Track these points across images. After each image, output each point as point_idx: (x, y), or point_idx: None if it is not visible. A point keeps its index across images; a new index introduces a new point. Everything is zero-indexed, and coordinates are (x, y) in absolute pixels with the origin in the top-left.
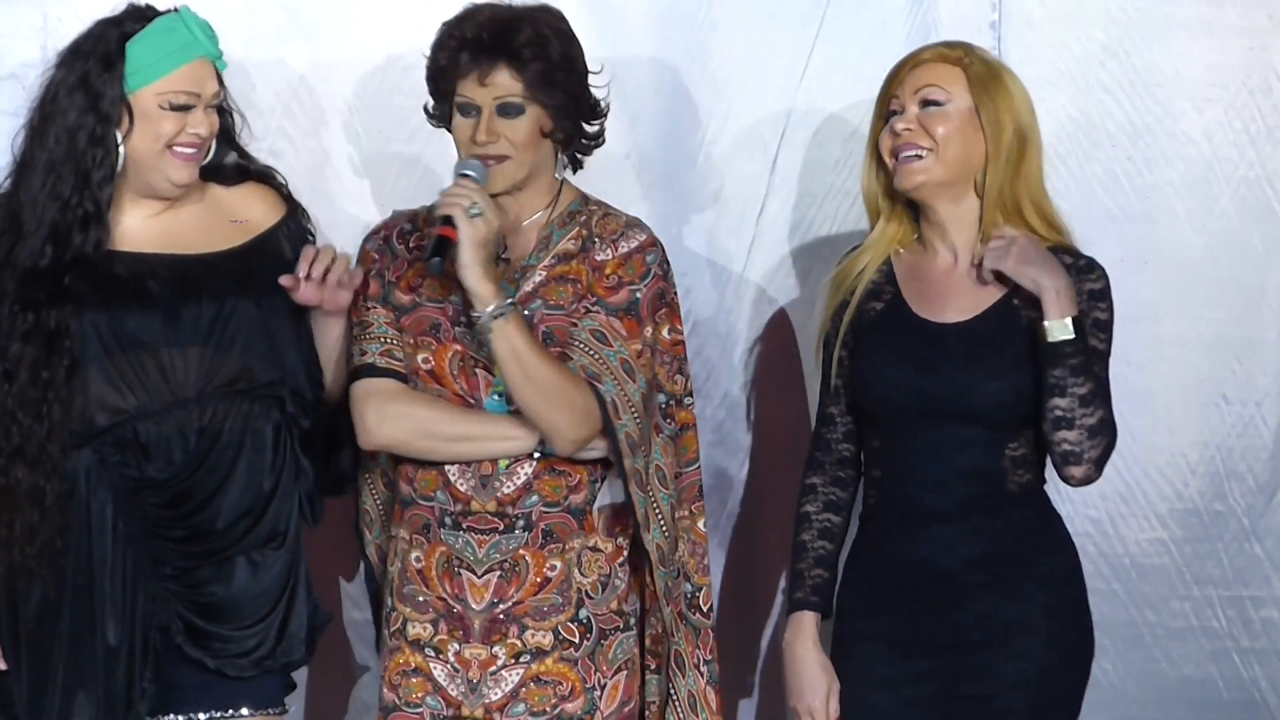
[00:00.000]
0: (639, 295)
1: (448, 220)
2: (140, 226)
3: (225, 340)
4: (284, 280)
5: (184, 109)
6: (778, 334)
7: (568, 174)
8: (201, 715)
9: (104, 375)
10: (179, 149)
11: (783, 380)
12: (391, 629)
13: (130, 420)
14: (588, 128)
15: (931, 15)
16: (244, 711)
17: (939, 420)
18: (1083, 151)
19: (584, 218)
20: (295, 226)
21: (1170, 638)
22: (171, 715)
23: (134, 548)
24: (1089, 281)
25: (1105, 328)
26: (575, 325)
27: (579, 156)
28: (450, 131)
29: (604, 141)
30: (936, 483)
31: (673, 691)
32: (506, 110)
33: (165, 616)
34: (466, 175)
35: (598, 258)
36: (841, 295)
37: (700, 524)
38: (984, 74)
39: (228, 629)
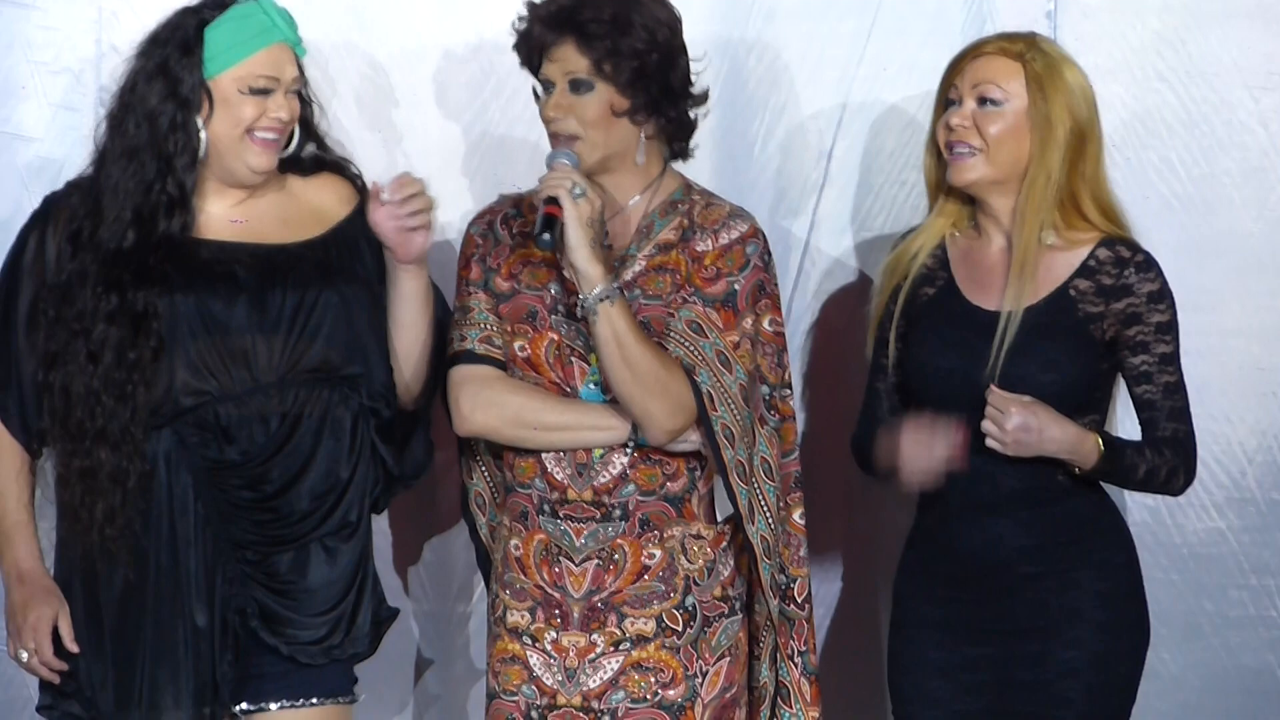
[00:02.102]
0: (737, 287)
1: (552, 201)
2: (223, 215)
3: (309, 329)
4: (372, 187)
5: (263, 93)
6: (835, 323)
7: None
8: (273, 705)
9: (188, 358)
10: (259, 134)
11: (839, 369)
12: (494, 616)
13: (212, 402)
14: (673, 111)
15: (988, 6)
16: (314, 701)
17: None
18: (1139, 140)
19: (685, 207)
20: (366, 217)
21: (1228, 627)
22: (245, 704)
23: (212, 530)
24: (1147, 282)
25: (1168, 329)
26: (672, 315)
27: (680, 145)
28: None
29: (694, 128)
30: (987, 474)
31: (771, 683)
32: (576, 87)
33: (243, 599)
34: (562, 161)
35: (698, 248)
36: (896, 279)
37: (796, 515)
38: (1043, 72)
39: (301, 616)
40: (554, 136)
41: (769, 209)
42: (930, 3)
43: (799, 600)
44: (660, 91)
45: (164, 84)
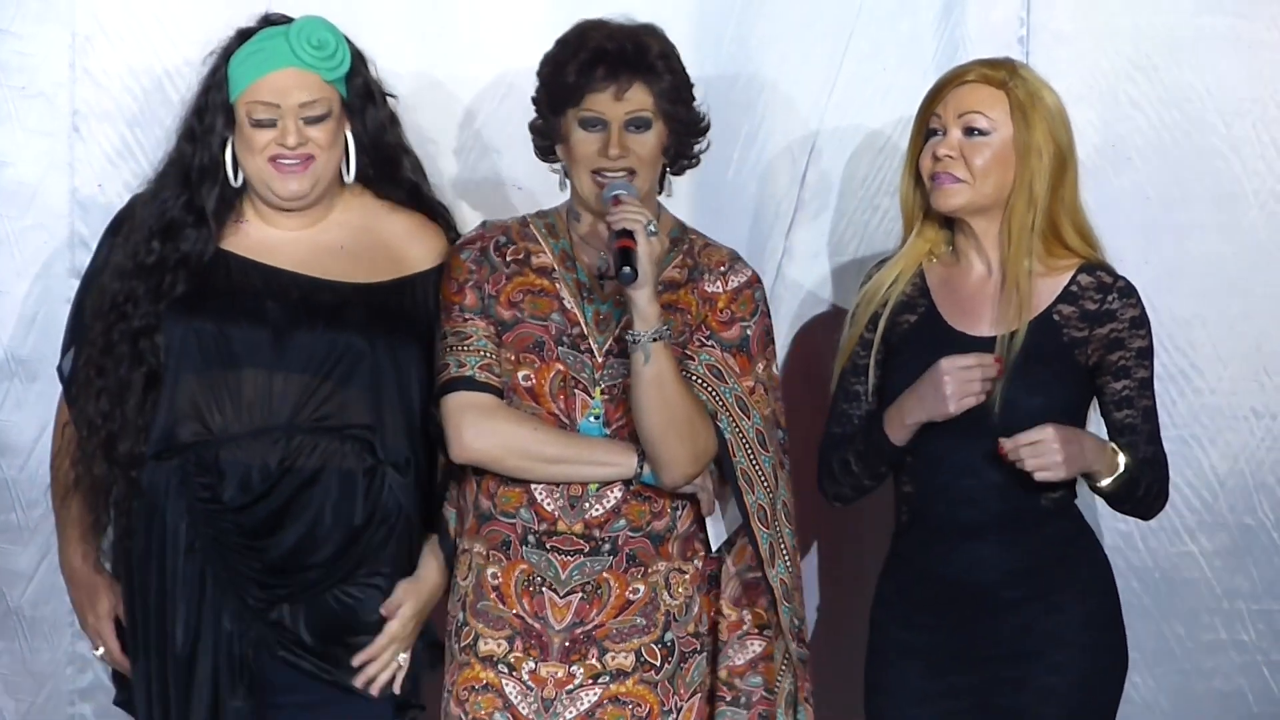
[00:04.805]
0: (749, 332)
1: (625, 235)
2: (289, 240)
3: (331, 373)
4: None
5: (265, 120)
6: (809, 349)
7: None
8: None
9: (191, 391)
10: (279, 161)
11: (812, 394)
12: (462, 644)
13: (214, 442)
14: (695, 146)
15: (960, 31)
16: None
17: (975, 436)
18: (1111, 166)
19: (686, 245)
20: None
21: (1200, 651)
22: None
23: (211, 570)
24: (1129, 307)
25: (1147, 354)
26: (691, 359)
27: (670, 178)
28: (549, 156)
29: (699, 162)
30: (971, 499)
31: None
32: (636, 125)
33: (255, 634)
34: (627, 194)
35: (708, 289)
36: (875, 306)
37: (798, 559)
38: (1025, 100)
39: (315, 660)
40: (599, 172)
41: (742, 235)
42: (903, 29)
43: (805, 642)
44: (691, 126)
45: (195, 105)
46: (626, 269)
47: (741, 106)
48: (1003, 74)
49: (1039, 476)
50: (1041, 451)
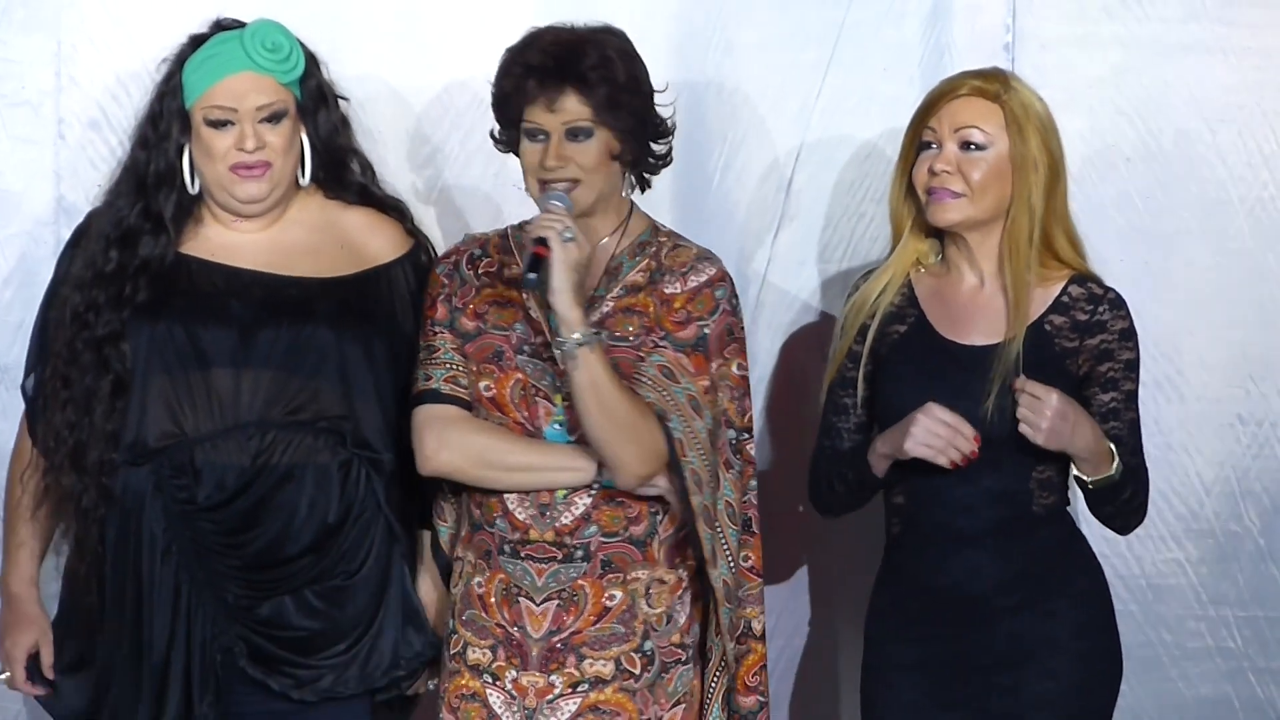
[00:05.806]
0: (707, 331)
1: (541, 242)
2: (249, 241)
3: (299, 367)
4: None
5: (221, 124)
6: (794, 358)
7: (635, 198)
8: None
9: (168, 389)
10: (238, 166)
11: (796, 404)
12: (452, 651)
13: (187, 444)
14: (655, 148)
15: (946, 38)
16: None
17: None
18: (1097, 173)
19: (653, 249)
20: (416, 265)
21: (1186, 658)
22: None
23: (188, 573)
24: (1119, 319)
25: (1134, 366)
26: (642, 360)
27: (645, 176)
28: (517, 156)
29: (671, 161)
30: (964, 506)
31: None
32: (575, 134)
33: (228, 639)
34: (555, 204)
35: (666, 290)
36: (863, 318)
37: (741, 557)
38: (1019, 112)
39: (296, 657)
40: (545, 182)
41: (727, 243)
42: (889, 36)
43: (758, 635)
44: (648, 131)
45: (150, 111)
46: (531, 275)
47: (727, 114)
48: (997, 87)
49: (1020, 428)
50: (1034, 409)
